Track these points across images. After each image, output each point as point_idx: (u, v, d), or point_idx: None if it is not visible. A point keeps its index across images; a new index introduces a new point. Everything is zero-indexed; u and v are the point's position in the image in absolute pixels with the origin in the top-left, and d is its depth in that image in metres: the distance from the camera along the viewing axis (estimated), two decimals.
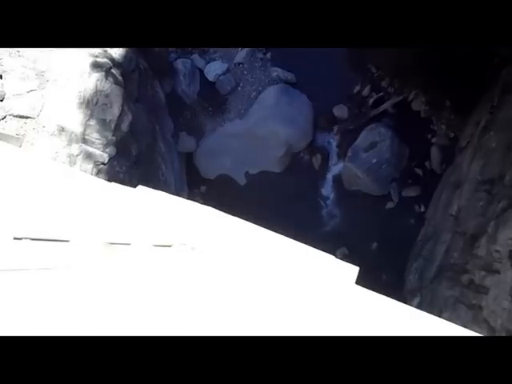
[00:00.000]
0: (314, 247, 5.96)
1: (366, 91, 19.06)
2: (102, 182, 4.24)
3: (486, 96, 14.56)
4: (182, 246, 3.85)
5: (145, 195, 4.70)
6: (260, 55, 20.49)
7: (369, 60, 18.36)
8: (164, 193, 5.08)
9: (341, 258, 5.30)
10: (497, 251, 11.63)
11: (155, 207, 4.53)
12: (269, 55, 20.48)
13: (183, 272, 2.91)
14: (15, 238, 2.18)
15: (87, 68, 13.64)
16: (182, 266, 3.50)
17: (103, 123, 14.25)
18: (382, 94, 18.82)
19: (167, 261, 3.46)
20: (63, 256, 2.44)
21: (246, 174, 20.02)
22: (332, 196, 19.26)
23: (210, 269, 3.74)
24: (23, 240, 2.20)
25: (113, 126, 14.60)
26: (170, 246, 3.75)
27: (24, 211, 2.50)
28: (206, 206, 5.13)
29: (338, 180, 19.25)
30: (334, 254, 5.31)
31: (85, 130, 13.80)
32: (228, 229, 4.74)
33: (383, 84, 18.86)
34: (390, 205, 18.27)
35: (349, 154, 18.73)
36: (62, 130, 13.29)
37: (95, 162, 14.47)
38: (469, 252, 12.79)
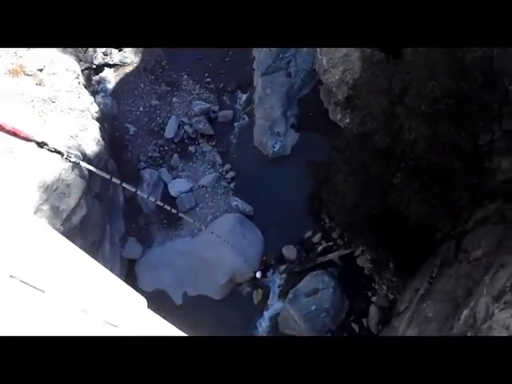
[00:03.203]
0: None
1: (316, 238, 19.80)
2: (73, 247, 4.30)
3: (427, 266, 15.37)
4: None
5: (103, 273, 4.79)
6: (224, 183, 21.31)
7: (324, 210, 19.31)
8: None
9: None
10: None
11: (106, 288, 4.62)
12: (232, 185, 21.31)
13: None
14: (11, 276, 2.52)
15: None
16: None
17: (55, 211, 14.05)
18: (331, 243, 19.57)
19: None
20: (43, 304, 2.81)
21: (184, 294, 19.57)
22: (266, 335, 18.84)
23: None
24: (15, 279, 2.53)
25: (64, 215, 14.39)
26: (116, 327, 3.74)
27: (12, 256, 2.89)
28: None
29: (274, 320, 19.01)
30: None
31: (35, 213, 13.50)
32: None
33: (334, 235, 19.70)
34: None
35: (290, 295, 18.75)
36: None
37: None
38: None
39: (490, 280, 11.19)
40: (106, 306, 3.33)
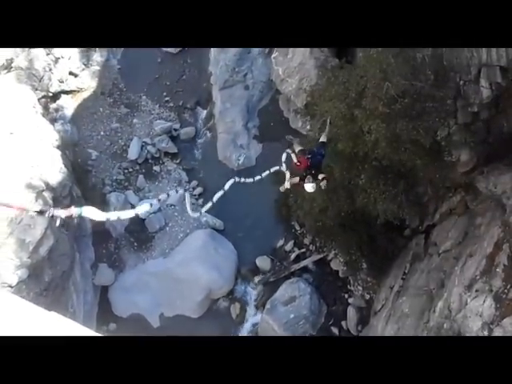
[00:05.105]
0: None
1: (288, 246, 19.87)
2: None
3: (399, 262, 15.68)
4: None
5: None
6: (192, 200, 21.14)
7: (294, 217, 19.42)
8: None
9: None
10: None
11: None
12: (200, 201, 21.19)
13: None
14: None
15: (21, 187, 13.49)
16: None
17: (21, 243, 13.67)
18: (303, 250, 19.68)
19: None
20: None
21: (161, 316, 19.25)
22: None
23: None
24: None
25: (31, 247, 14.02)
26: None
27: None
28: None
29: (253, 332, 18.91)
30: None
31: (0, 247, 13.14)
32: None
33: (305, 241, 19.83)
34: None
35: (267, 306, 18.70)
36: None
37: (2, 283, 13.52)
38: None
39: (461, 270, 11.49)
40: None
